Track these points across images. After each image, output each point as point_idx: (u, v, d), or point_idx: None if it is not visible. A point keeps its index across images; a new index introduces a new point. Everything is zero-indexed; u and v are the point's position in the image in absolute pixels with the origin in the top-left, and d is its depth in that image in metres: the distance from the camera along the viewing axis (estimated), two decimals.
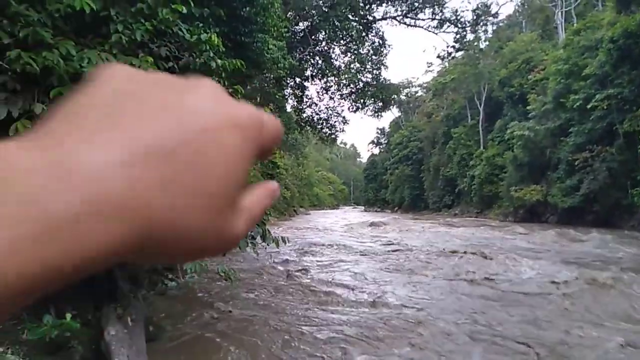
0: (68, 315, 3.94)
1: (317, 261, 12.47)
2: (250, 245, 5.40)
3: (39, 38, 3.53)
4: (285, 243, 5.29)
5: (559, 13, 40.88)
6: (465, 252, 12.32)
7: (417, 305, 7.39)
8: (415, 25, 19.90)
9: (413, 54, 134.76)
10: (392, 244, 15.75)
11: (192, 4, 4.69)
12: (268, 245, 5.40)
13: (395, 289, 8.64)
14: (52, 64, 3.44)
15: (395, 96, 26.45)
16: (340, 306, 7.41)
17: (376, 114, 20.89)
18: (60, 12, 3.73)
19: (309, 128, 20.77)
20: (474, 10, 20.54)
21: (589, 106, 23.95)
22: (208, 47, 4.58)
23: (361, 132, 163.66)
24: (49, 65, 3.45)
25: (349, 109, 19.79)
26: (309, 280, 9.69)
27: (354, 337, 5.68)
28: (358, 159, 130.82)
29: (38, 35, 3.52)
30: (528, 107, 32.48)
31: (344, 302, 7.65)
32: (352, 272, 10.55)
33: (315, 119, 20.03)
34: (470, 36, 21.94)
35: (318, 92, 19.59)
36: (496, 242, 16.51)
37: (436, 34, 20.07)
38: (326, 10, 16.14)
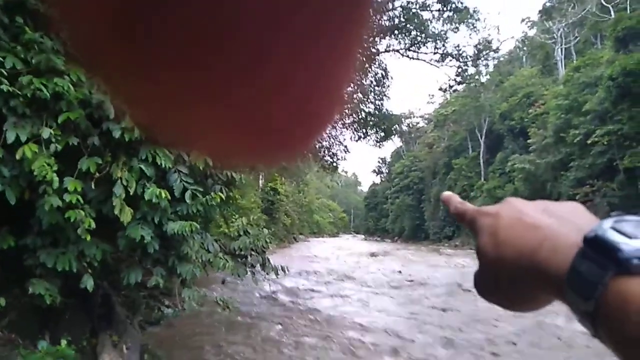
0: (63, 342, 3.87)
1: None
2: (249, 273, 5.35)
3: (52, 65, 3.61)
4: (285, 272, 5.24)
5: (559, 50, 41.72)
6: None
7: None
8: (417, 59, 20.25)
9: (415, 85, 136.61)
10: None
11: None
12: (267, 274, 5.35)
13: None
14: (63, 90, 3.51)
15: (397, 126, 26.68)
16: None
17: (378, 144, 21.02)
18: None
19: (310, 156, 20.88)
20: (475, 46, 20.95)
21: (589, 141, 24.13)
22: None
23: (362, 161, 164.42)
24: (59, 91, 3.51)
25: (350, 138, 19.92)
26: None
27: None
28: (359, 188, 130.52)
29: (50, 62, 3.60)
30: (529, 141, 32.72)
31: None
32: None
33: (317, 146, 20.18)
34: (471, 70, 22.26)
35: None
36: None
37: (438, 67, 20.42)
38: None
